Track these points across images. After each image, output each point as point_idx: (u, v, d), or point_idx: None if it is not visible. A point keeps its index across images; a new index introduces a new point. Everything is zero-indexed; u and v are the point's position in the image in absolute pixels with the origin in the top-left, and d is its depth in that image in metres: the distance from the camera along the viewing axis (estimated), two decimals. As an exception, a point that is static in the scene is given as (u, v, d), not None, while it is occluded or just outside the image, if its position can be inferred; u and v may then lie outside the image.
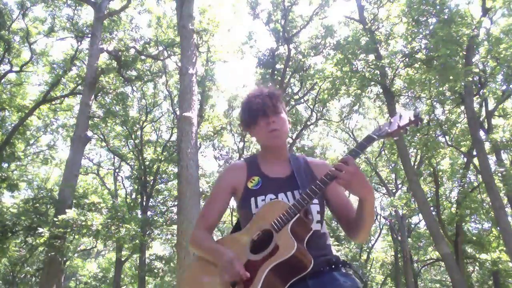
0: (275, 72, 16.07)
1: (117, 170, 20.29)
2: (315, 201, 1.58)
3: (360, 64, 13.53)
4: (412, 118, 1.44)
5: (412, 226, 21.78)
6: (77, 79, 15.56)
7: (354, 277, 1.55)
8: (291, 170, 1.70)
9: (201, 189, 14.47)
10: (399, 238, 18.89)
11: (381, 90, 13.95)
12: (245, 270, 1.42)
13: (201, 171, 17.05)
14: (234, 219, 16.70)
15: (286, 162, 1.74)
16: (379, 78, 13.30)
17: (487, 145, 13.20)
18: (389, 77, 13.45)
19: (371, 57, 13.32)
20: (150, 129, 19.21)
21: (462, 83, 11.80)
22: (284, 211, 1.49)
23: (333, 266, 1.54)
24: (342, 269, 1.56)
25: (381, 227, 23.77)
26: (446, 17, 11.60)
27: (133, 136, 17.63)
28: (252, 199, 1.64)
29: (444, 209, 16.89)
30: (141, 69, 15.34)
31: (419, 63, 12.69)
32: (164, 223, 17.00)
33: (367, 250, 23.59)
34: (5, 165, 15.73)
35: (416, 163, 16.64)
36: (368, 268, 22.69)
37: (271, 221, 1.49)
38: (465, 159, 15.99)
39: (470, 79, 11.58)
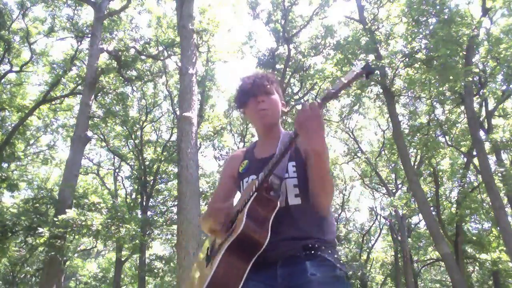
0: (275, 72, 16.07)
1: (117, 170, 20.31)
2: (292, 174, 1.55)
3: (360, 64, 13.50)
4: (358, 70, 1.29)
5: (412, 226, 21.78)
6: (77, 79, 15.56)
7: (330, 264, 1.46)
8: (276, 148, 1.66)
9: (201, 189, 14.49)
10: (399, 238, 18.89)
11: (381, 90, 13.95)
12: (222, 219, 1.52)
13: (201, 171, 17.06)
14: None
15: (276, 141, 1.69)
16: (379, 78, 13.30)
17: (487, 145, 13.20)
18: (389, 77, 13.45)
19: (371, 57, 13.32)
20: (150, 129, 19.22)
21: (462, 83, 11.80)
22: (249, 191, 1.49)
23: (308, 252, 1.46)
24: (319, 255, 1.46)
25: (381, 227, 23.79)
26: (446, 17, 11.60)
27: (133, 136, 17.63)
28: (241, 182, 1.69)
29: (444, 209, 16.89)
30: (141, 69, 15.33)
31: (419, 63, 12.69)
32: (164, 223, 17.01)
33: (367, 250, 23.60)
34: (5, 165, 15.73)
35: (416, 163, 16.64)
36: (368, 268, 22.68)
37: (241, 202, 1.52)
38: (465, 159, 15.99)
39: (470, 79, 11.58)
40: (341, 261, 1.51)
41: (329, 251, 1.50)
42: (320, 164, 1.40)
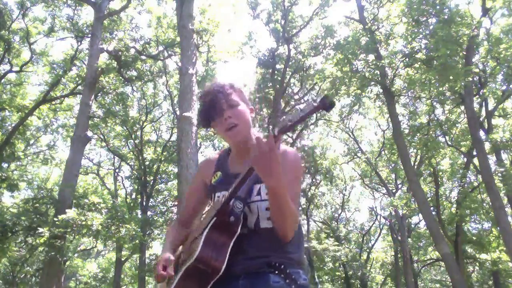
0: (275, 72, 16.07)
1: (117, 170, 20.32)
2: (264, 197, 1.49)
3: (360, 64, 13.53)
4: (316, 104, 1.20)
5: (412, 226, 21.78)
6: (77, 79, 15.56)
7: (294, 279, 1.45)
8: None
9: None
10: (399, 238, 18.89)
11: (381, 90, 13.95)
12: (163, 272, 1.44)
13: (201, 171, 17.03)
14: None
15: (249, 154, 1.62)
16: (379, 78, 13.31)
17: (487, 145, 13.20)
18: (389, 77, 13.45)
19: (371, 57, 13.32)
20: (150, 129, 19.22)
21: (462, 83, 11.80)
22: (210, 215, 1.46)
23: (272, 270, 1.44)
24: (286, 270, 1.45)
25: (381, 227, 23.81)
26: (446, 17, 11.61)
27: (133, 136, 17.63)
28: (213, 195, 1.62)
29: (444, 209, 16.89)
30: (141, 69, 15.33)
31: (419, 63, 12.70)
32: (164, 223, 17.01)
33: (367, 250, 23.61)
34: (5, 165, 15.74)
35: (416, 163, 16.64)
36: (368, 268, 22.70)
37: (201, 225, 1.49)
38: (465, 159, 15.99)
39: (470, 79, 11.58)
40: (302, 280, 1.47)
41: (292, 268, 1.47)
42: (276, 198, 1.36)
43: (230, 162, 1.68)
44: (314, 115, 18.09)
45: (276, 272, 1.44)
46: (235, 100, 1.59)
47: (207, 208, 1.66)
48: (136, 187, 18.35)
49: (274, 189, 1.33)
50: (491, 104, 14.60)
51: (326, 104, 1.20)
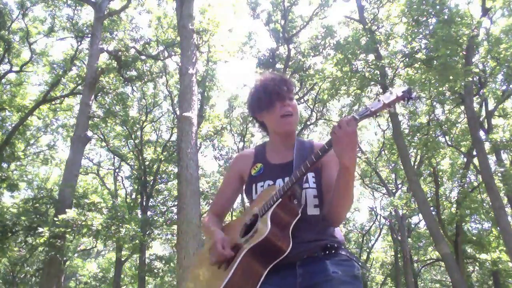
0: (275, 72, 16.05)
1: (117, 170, 20.31)
2: (312, 185, 1.58)
3: (360, 64, 13.53)
4: (400, 94, 1.31)
5: (412, 226, 21.78)
6: (77, 79, 15.55)
7: (351, 264, 1.51)
8: (293, 155, 1.67)
9: (201, 189, 14.48)
10: (399, 238, 18.89)
11: (381, 90, 13.95)
12: (225, 250, 1.48)
13: (201, 171, 17.06)
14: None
15: (291, 148, 1.70)
16: (379, 78, 13.30)
17: (487, 145, 13.20)
18: (389, 77, 13.45)
19: (371, 57, 13.32)
20: (150, 129, 19.21)
21: (462, 83, 11.79)
22: (271, 197, 1.50)
23: (327, 252, 1.50)
24: (339, 254, 1.51)
25: (381, 227, 23.79)
26: (446, 17, 11.60)
27: (133, 136, 17.62)
28: (254, 186, 1.67)
29: (444, 209, 16.89)
30: (141, 69, 15.33)
31: (419, 63, 12.69)
32: (164, 223, 17.01)
33: (367, 250, 23.60)
34: (5, 165, 15.72)
35: (416, 163, 16.64)
36: (368, 268, 22.68)
37: (261, 207, 1.52)
38: (465, 159, 15.99)
39: (470, 79, 11.57)
40: (357, 261, 1.54)
41: (346, 250, 1.54)
42: (348, 178, 1.42)
43: (268, 154, 1.74)
44: (314, 114, 18.11)
45: (332, 257, 1.49)
46: (293, 95, 1.72)
47: (254, 197, 1.66)
48: (136, 187, 18.33)
49: (349, 169, 1.39)
50: (491, 104, 14.60)
51: (408, 96, 1.30)
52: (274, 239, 1.40)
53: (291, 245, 1.40)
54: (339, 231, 1.62)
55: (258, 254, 1.41)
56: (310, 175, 1.59)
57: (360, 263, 1.53)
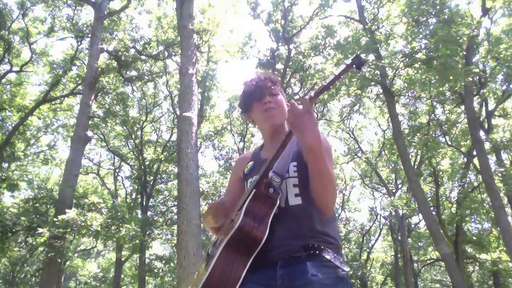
0: (275, 72, 16.05)
1: (117, 170, 20.30)
2: (292, 174, 1.54)
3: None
4: (349, 62, 1.29)
5: (412, 226, 21.78)
6: (77, 79, 15.55)
7: (333, 266, 1.43)
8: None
9: (201, 189, 14.48)
10: (399, 238, 18.89)
11: (381, 90, 13.95)
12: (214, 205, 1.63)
13: (201, 171, 17.06)
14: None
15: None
16: (379, 78, 13.30)
17: (487, 145, 13.20)
18: (389, 77, 13.45)
19: (371, 57, 13.32)
20: (150, 129, 19.22)
21: (462, 83, 11.80)
22: (248, 189, 1.50)
23: (311, 252, 1.43)
24: (323, 255, 1.43)
25: (381, 227, 23.79)
26: (446, 17, 11.61)
27: (133, 136, 17.63)
28: (246, 183, 1.70)
29: (444, 209, 16.89)
30: (141, 69, 15.33)
31: (419, 63, 12.69)
32: (164, 223, 17.01)
33: (367, 250, 23.60)
34: (5, 165, 15.73)
35: (416, 163, 16.64)
36: (368, 268, 22.68)
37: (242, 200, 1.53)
38: (465, 159, 15.99)
39: (470, 79, 11.58)
40: (344, 262, 1.48)
41: (331, 252, 1.46)
42: (316, 159, 1.37)
43: (261, 152, 1.77)
44: (315, 114, 18.08)
45: (314, 258, 1.42)
46: (276, 90, 1.73)
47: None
48: (136, 187, 18.33)
49: (314, 149, 1.36)
50: (491, 104, 14.59)
51: (358, 62, 1.28)
52: (247, 228, 1.37)
53: (267, 232, 1.37)
54: (333, 226, 1.54)
55: (235, 246, 1.38)
56: (292, 164, 1.56)
57: (341, 265, 1.44)
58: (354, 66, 1.28)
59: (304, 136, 1.34)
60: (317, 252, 1.43)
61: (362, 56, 1.38)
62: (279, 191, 1.48)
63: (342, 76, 1.31)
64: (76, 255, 22.55)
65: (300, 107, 1.34)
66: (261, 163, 1.62)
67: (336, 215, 23.66)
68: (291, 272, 1.41)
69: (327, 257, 1.44)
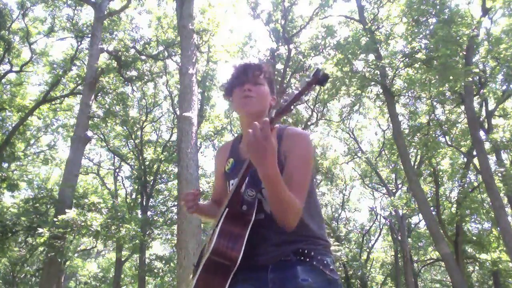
0: (275, 72, 16.05)
1: (117, 170, 20.31)
2: None
3: (360, 64, 13.54)
4: (309, 79, 1.20)
5: (412, 226, 21.79)
6: (77, 79, 15.55)
7: (323, 271, 1.42)
8: None
9: (201, 189, 14.47)
10: (399, 238, 18.89)
11: (381, 90, 13.95)
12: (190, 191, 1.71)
13: (201, 171, 17.05)
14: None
15: None
16: (379, 78, 13.31)
17: (487, 145, 13.20)
18: (389, 77, 13.45)
19: (371, 57, 13.33)
20: (150, 129, 19.21)
21: (462, 83, 11.80)
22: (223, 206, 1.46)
23: (301, 257, 1.43)
24: (312, 259, 1.43)
25: (381, 227, 23.80)
26: (446, 17, 11.61)
27: (133, 136, 17.63)
28: (228, 183, 1.66)
29: (444, 209, 16.89)
30: (141, 69, 15.33)
31: (419, 63, 12.70)
32: (164, 223, 17.01)
33: (367, 250, 23.60)
34: (5, 165, 15.73)
35: (416, 163, 16.64)
36: (368, 268, 22.68)
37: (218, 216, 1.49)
38: (465, 159, 15.99)
39: (470, 79, 11.58)
40: (331, 267, 1.46)
41: (321, 254, 1.46)
42: (272, 187, 1.31)
43: (241, 147, 1.69)
44: (315, 114, 18.09)
45: (304, 263, 1.42)
46: (261, 80, 1.64)
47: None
48: (136, 187, 18.33)
49: (268, 178, 1.29)
50: (491, 104, 14.59)
51: (319, 77, 1.18)
52: (222, 249, 1.34)
53: (241, 254, 1.33)
54: (318, 225, 1.53)
55: (211, 269, 1.37)
56: None
57: (328, 271, 1.43)
58: (316, 82, 1.19)
59: (259, 167, 1.28)
60: (307, 256, 1.43)
61: (320, 70, 1.24)
62: (254, 206, 1.41)
63: (304, 94, 1.22)
64: (76, 255, 22.54)
65: (259, 130, 1.24)
66: (240, 163, 1.55)
67: (336, 214, 23.71)
68: (282, 276, 1.41)
69: (316, 262, 1.43)
